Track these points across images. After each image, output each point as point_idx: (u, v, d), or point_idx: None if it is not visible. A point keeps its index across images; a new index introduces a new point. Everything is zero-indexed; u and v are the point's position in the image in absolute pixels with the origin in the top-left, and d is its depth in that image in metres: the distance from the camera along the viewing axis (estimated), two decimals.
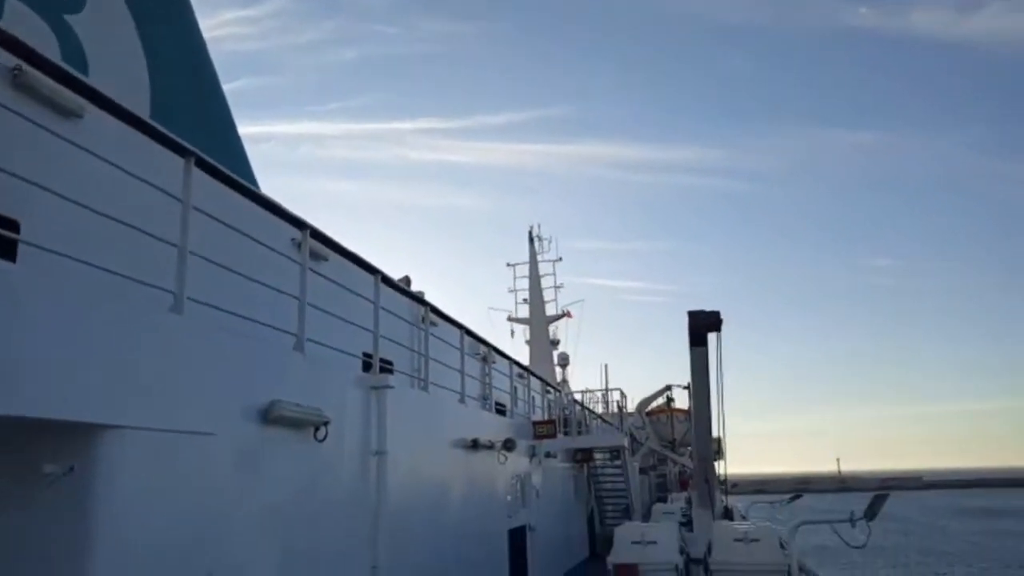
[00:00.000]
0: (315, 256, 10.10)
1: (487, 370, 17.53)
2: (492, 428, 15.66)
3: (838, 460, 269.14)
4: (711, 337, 14.28)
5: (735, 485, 65.95)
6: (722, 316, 13.90)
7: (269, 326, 8.29)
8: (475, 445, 13.99)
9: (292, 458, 8.16)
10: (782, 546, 10.53)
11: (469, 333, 15.77)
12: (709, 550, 11.06)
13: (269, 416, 7.56)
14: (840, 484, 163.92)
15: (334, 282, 9.78)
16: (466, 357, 15.55)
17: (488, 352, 17.58)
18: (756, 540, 10.50)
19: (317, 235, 9.64)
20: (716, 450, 47.46)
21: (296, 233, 9.22)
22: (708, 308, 13.31)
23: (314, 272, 9.36)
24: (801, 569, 10.35)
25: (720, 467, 52.85)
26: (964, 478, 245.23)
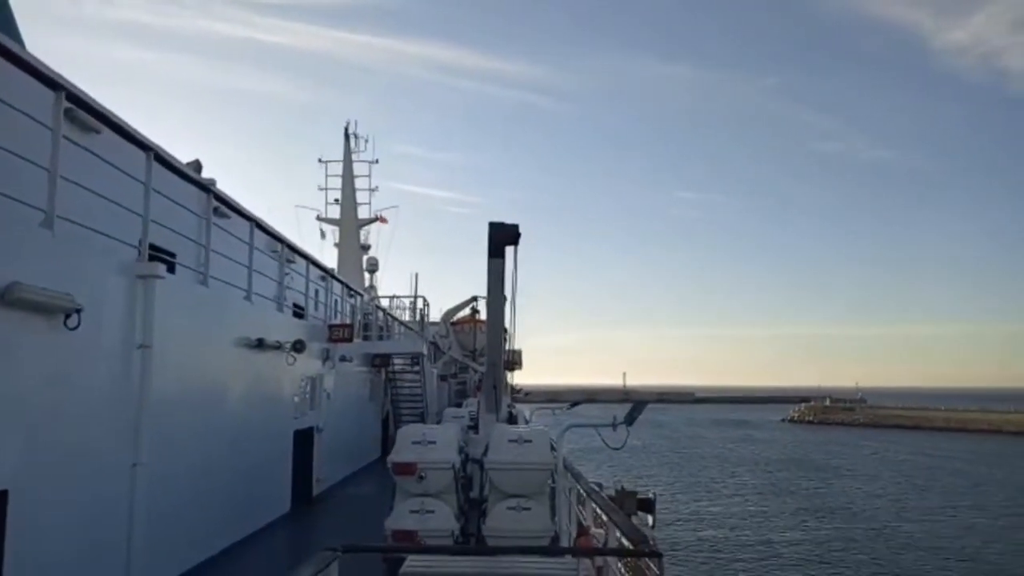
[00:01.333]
0: (82, 127, 9.00)
1: (283, 269, 16.84)
2: (282, 329, 15.17)
3: (624, 375, 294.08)
4: (509, 250, 14.54)
5: (527, 394, 70.24)
6: (521, 231, 14.16)
7: (11, 198, 7.29)
8: (261, 345, 13.51)
9: (36, 346, 7.39)
10: (552, 447, 11.20)
11: (262, 228, 14.94)
12: (486, 451, 11.55)
13: (6, 298, 6.75)
14: (624, 396, 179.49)
15: (98, 156, 8.75)
16: (260, 255, 14.80)
17: (284, 250, 16.83)
18: (529, 441, 11.09)
19: (80, 102, 8.52)
20: (514, 361, 49.79)
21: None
22: (515, 221, 13.59)
23: (74, 144, 8.32)
24: (566, 467, 11.11)
25: (515, 377, 55.85)
26: (728, 395, 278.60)
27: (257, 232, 14.61)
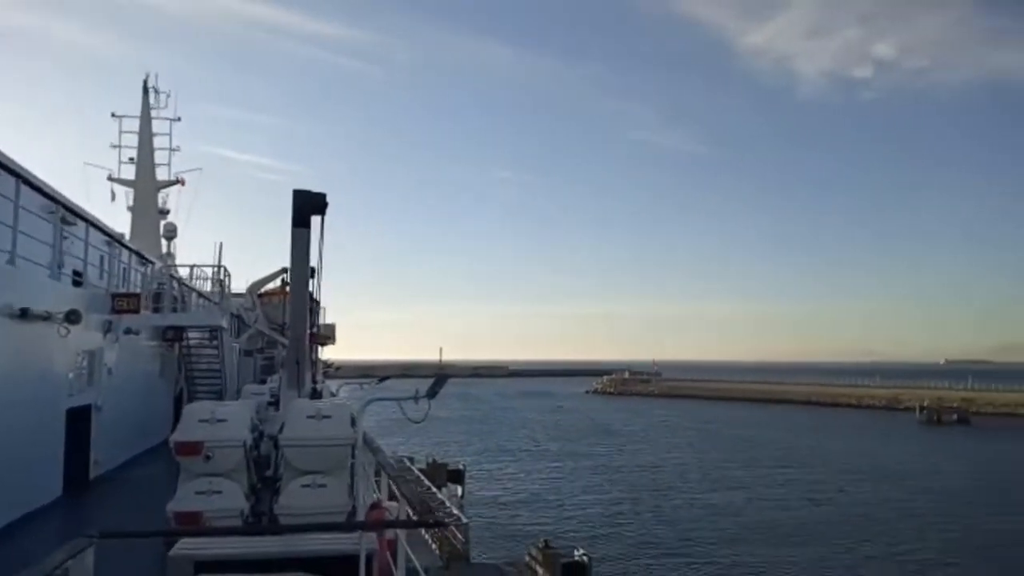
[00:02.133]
0: None
1: (59, 232, 15.15)
2: (54, 297, 13.69)
3: (440, 349, 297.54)
4: (316, 221, 14.10)
5: (339, 368, 68.90)
6: (328, 200, 13.78)
7: None
8: (25, 315, 12.10)
9: None
10: (353, 422, 11.06)
11: (31, 184, 13.32)
12: (282, 428, 11.17)
13: None
14: (439, 371, 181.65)
15: None
16: (30, 216, 13.22)
17: (61, 211, 15.15)
18: (328, 416, 10.88)
19: None
20: (326, 335, 48.50)
21: None
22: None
23: None
24: (366, 442, 11.02)
25: (327, 352, 54.51)
26: (540, 369, 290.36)
27: (25, 189, 13.01)
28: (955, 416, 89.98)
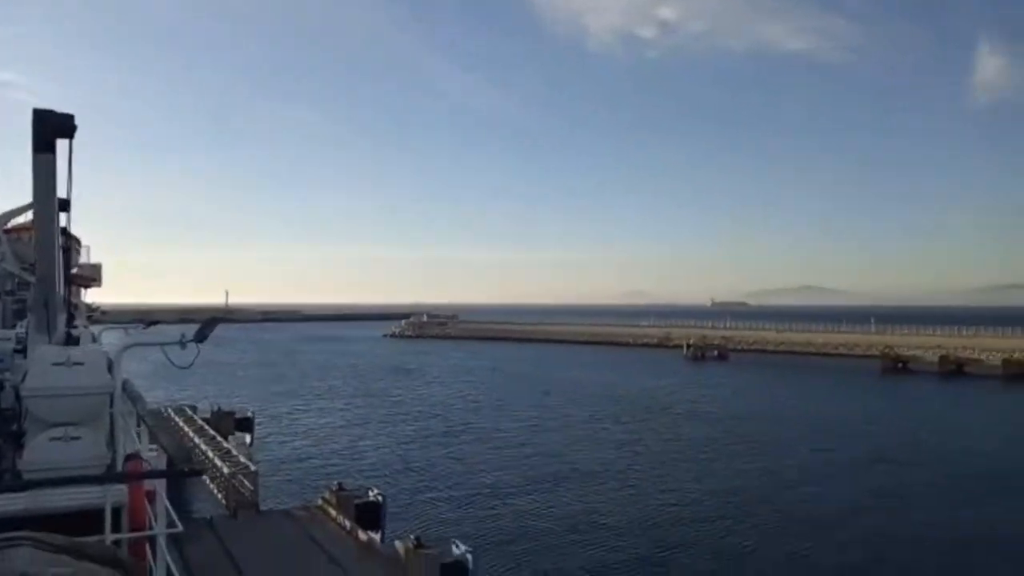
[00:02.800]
0: None
1: None
2: None
3: (227, 292, 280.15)
4: (63, 145, 12.44)
5: (104, 312, 62.90)
6: (76, 123, 12.20)
7: None
8: None
9: None
10: (110, 369, 10.10)
11: None
12: (25, 377, 9.96)
13: None
14: (224, 314, 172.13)
15: None
16: None
17: None
18: (80, 363, 9.82)
19: None
20: (91, 277, 43.82)
21: None
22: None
23: None
24: (125, 390, 10.17)
25: (92, 295, 49.33)
26: (339, 313, 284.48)
27: None
28: (716, 352, 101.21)
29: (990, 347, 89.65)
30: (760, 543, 23.66)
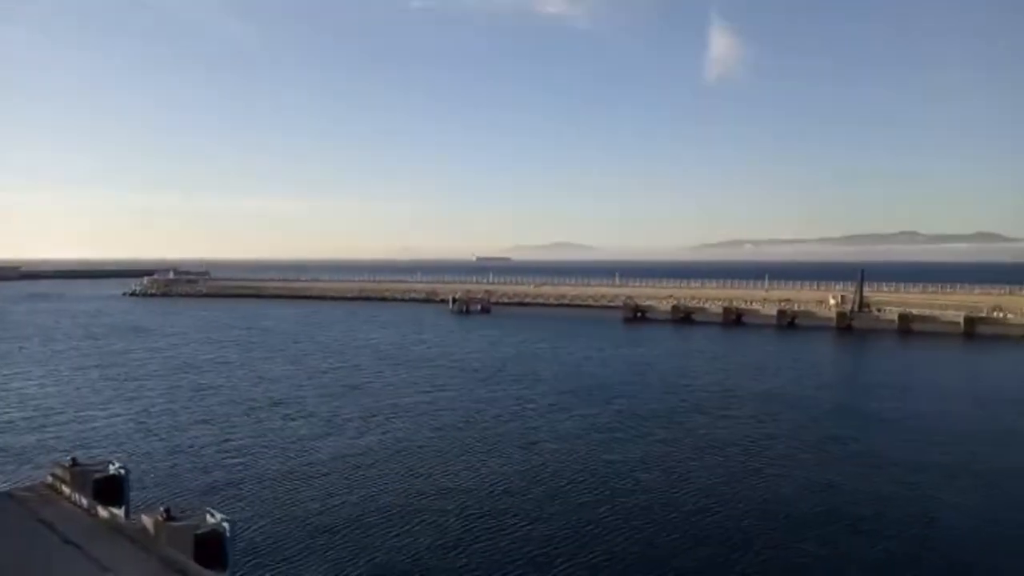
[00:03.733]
0: None
1: None
2: None
3: None
4: None
5: None
6: None
7: None
8: None
9: None
10: None
11: None
12: None
13: None
14: None
15: None
16: None
17: None
18: None
19: None
20: None
21: None
22: None
23: None
24: None
25: None
26: (64, 269, 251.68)
27: None
28: (479, 306, 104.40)
29: (712, 296, 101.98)
30: (485, 456, 24.87)
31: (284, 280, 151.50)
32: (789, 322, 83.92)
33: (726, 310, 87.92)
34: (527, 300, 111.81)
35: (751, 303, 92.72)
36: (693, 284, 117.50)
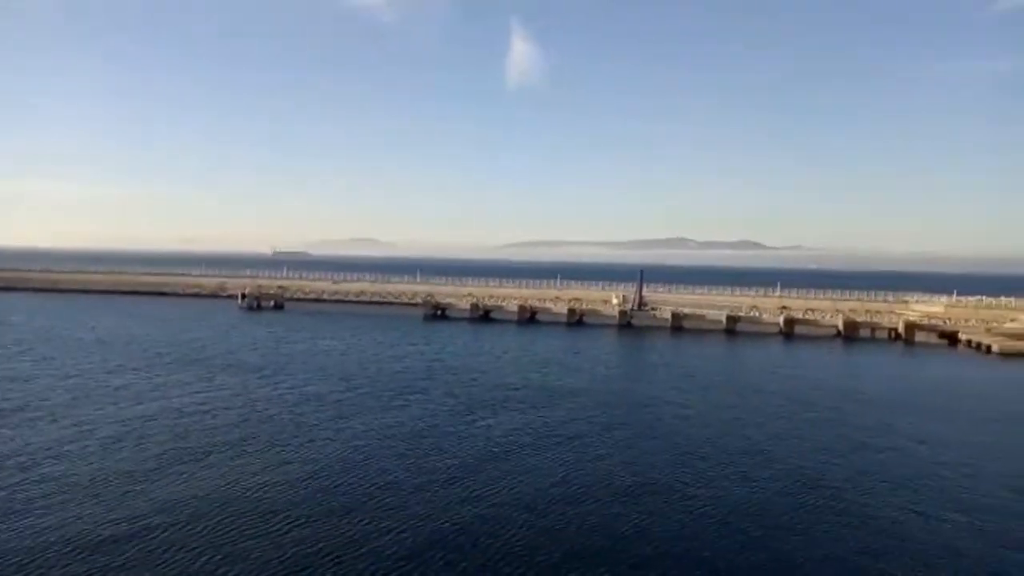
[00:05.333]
0: None
1: None
2: None
3: None
4: None
5: None
6: None
7: None
8: None
9: None
10: None
11: None
12: None
13: None
14: None
15: None
16: None
17: None
18: None
19: None
20: None
21: None
22: None
23: None
24: None
25: None
26: None
27: None
28: (272, 302, 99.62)
29: (510, 295, 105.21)
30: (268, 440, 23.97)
31: (44, 271, 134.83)
32: (578, 320, 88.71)
33: (521, 308, 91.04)
34: (325, 297, 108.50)
35: (545, 301, 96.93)
36: (492, 283, 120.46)
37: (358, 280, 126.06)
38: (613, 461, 28.29)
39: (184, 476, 24.78)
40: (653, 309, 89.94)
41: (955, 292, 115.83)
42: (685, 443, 31.41)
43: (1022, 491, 26.00)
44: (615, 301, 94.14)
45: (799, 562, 19.36)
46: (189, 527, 20.37)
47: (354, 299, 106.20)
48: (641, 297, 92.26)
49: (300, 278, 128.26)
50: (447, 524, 21.18)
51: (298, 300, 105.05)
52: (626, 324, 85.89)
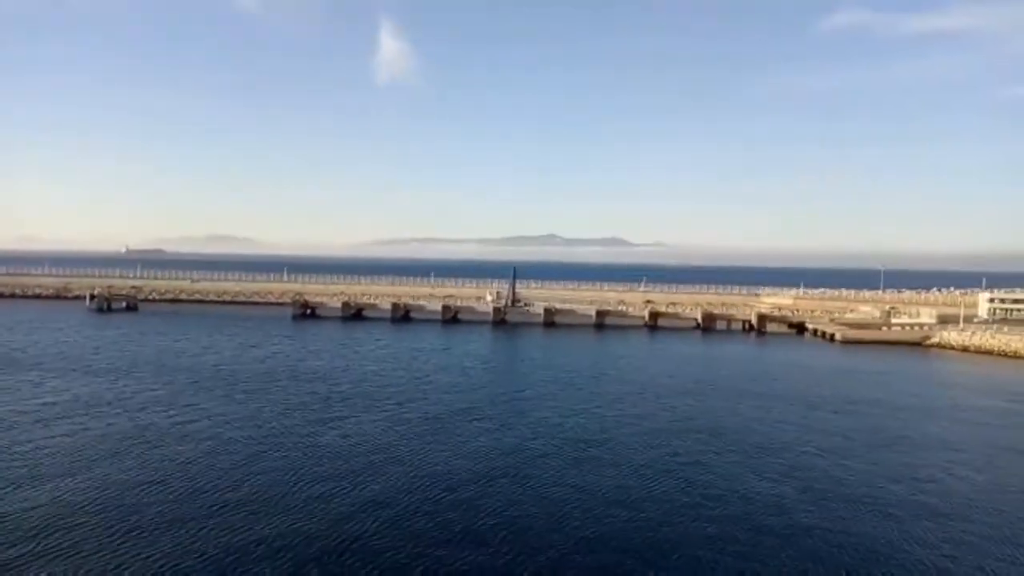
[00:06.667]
0: None
1: None
2: None
3: None
4: None
5: None
6: None
7: None
8: None
9: None
10: None
11: None
12: None
13: None
14: None
15: None
16: None
17: None
18: None
19: None
20: None
21: None
22: None
23: None
24: None
25: None
26: None
27: None
28: (124, 303, 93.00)
29: (383, 293, 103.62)
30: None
31: None
32: (453, 317, 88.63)
33: (395, 306, 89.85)
34: (183, 297, 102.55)
35: (419, 299, 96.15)
36: (364, 281, 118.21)
37: (220, 279, 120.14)
38: (476, 451, 28.53)
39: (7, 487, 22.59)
40: (527, 305, 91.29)
41: (802, 285, 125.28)
42: (546, 431, 32.69)
43: (844, 461, 28.41)
44: (489, 298, 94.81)
45: (637, 524, 20.19)
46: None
47: (215, 299, 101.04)
48: (514, 294, 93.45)
49: (156, 278, 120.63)
50: (286, 519, 20.49)
51: (153, 301, 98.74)
52: (500, 321, 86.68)
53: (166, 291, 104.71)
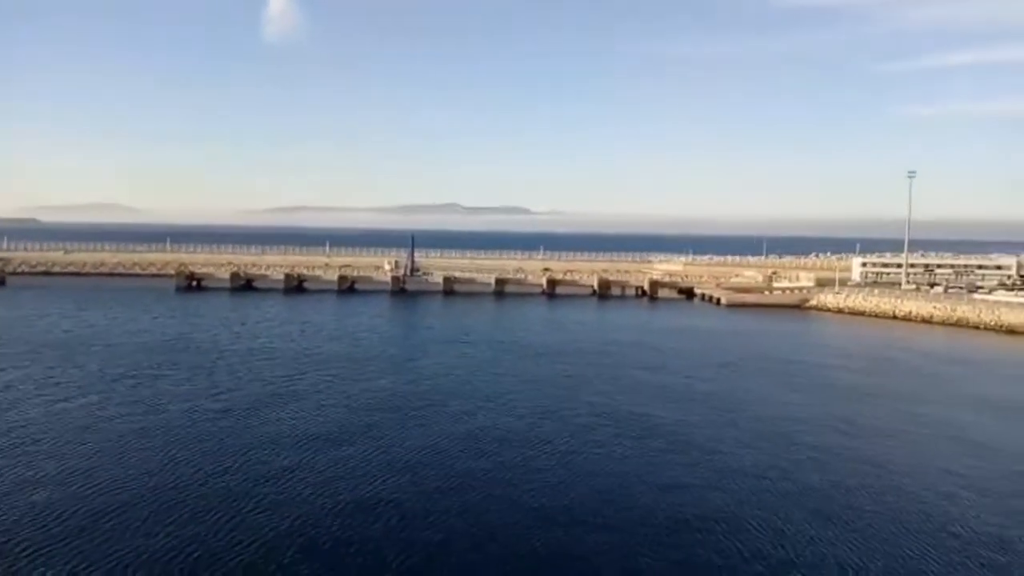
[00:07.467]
0: None
1: None
2: None
3: None
4: None
5: None
6: None
7: None
8: None
9: None
10: None
11: None
12: None
13: None
14: None
15: None
16: None
17: None
18: None
19: None
20: None
21: None
22: None
23: None
24: None
25: None
26: None
27: None
28: None
29: (274, 263, 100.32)
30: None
31: None
32: (349, 286, 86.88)
33: (288, 276, 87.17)
34: (56, 269, 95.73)
35: (313, 269, 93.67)
36: (254, 251, 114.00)
37: (97, 250, 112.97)
38: (367, 421, 28.32)
39: None
40: (426, 274, 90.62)
41: (691, 252, 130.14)
42: (441, 397, 33.16)
43: (727, 416, 30.06)
44: (387, 267, 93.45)
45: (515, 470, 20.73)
46: None
47: (92, 271, 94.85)
48: (413, 262, 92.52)
49: (26, 249, 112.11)
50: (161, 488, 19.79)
51: (22, 274, 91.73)
52: (399, 290, 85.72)
53: (37, 263, 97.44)
